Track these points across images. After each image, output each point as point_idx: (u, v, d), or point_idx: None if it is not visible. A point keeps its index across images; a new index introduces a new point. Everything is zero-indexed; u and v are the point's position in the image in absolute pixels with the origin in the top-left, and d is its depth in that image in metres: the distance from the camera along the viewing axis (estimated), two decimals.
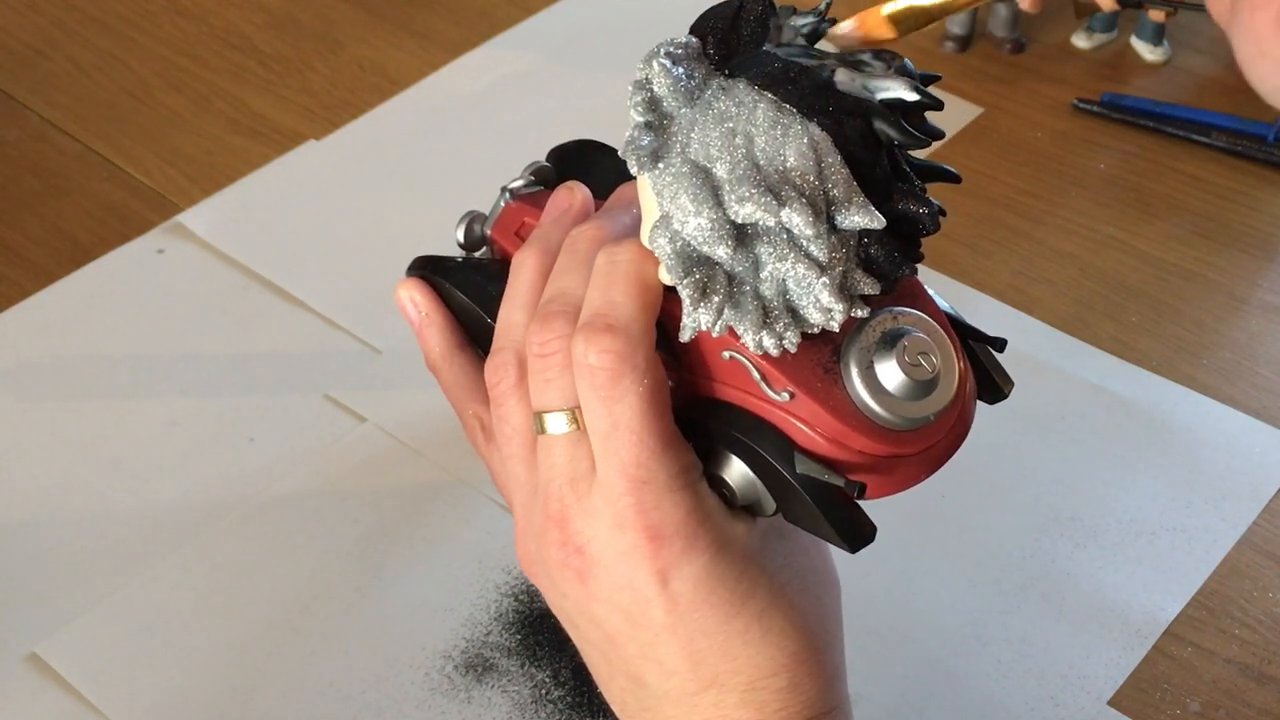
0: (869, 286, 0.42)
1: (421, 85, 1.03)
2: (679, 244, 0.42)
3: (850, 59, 0.43)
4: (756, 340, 0.42)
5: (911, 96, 0.42)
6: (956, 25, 1.04)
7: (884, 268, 0.42)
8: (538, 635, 0.70)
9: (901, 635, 0.70)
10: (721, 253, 0.41)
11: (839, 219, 0.41)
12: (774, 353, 0.42)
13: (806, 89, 0.41)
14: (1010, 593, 0.71)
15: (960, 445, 0.45)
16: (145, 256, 0.90)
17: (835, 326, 0.42)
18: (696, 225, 0.41)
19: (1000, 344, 0.47)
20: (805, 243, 0.41)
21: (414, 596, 0.72)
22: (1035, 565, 0.72)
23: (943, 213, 0.43)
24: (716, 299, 0.42)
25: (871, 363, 0.43)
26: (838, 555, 0.47)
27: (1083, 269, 0.88)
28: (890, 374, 0.43)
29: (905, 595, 0.71)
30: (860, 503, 0.45)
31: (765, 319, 0.42)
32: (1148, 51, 1.04)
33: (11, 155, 0.99)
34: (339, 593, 0.72)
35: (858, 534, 0.44)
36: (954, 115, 0.99)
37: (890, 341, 0.43)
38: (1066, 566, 0.72)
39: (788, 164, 0.41)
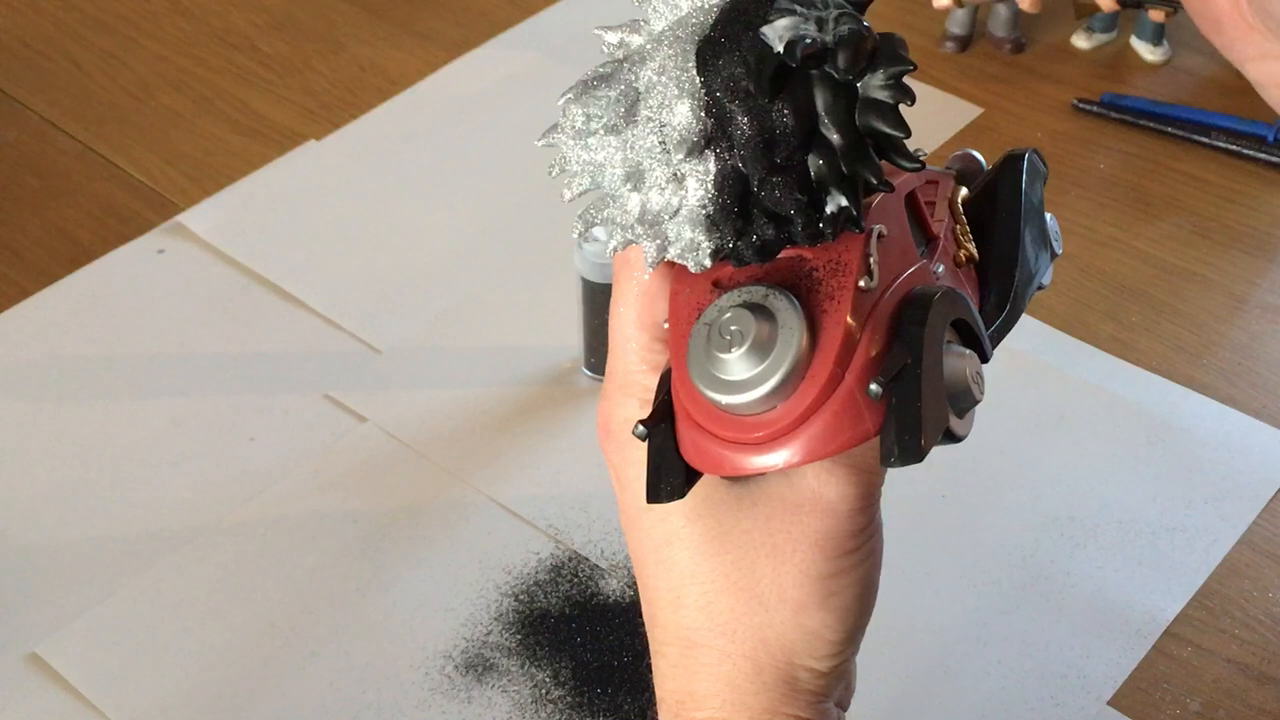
0: (707, 238, 0.40)
1: (421, 85, 1.03)
2: (555, 134, 0.41)
3: (808, 12, 0.39)
4: (616, 237, 0.41)
5: (775, 46, 0.38)
6: (956, 25, 1.05)
7: (722, 225, 0.40)
8: (538, 635, 0.70)
9: (901, 635, 0.70)
10: (562, 138, 0.41)
11: (673, 158, 0.39)
12: (613, 248, 0.41)
13: (734, 29, 0.39)
14: (1010, 593, 0.71)
15: (814, 459, 0.40)
16: (145, 256, 0.90)
17: (665, 258, 0.41)
18: (568, 115, 0.41)
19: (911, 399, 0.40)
20: (632, 171, 0.40)
21: (414, 596, 0.72)
22: (1035, 565, 0.72)
23: (840, 208, 0.39)
24: (576, 181, 0.41)
25: (701, 324, 0.40)
26: None
27: (1083, 269, 0.88)
28: (699, 341, 0.40)
29: (905, 595, 0.71)
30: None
31: (619, 223, 0.41)
32: (1148, 51, 1.04)
33: (11, 155, 0.99)
34: (339, 593, 0.72)
35: (654, 485, 0.42)
36: (954, 115, 0.99)
37: (723, 313, 0.40)
38: (1066, 566, 0.72)
39: (639, 86, 0.40)
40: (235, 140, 0.99)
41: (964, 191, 0.48)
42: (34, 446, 0.79)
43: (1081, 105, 0.99)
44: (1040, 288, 0.49)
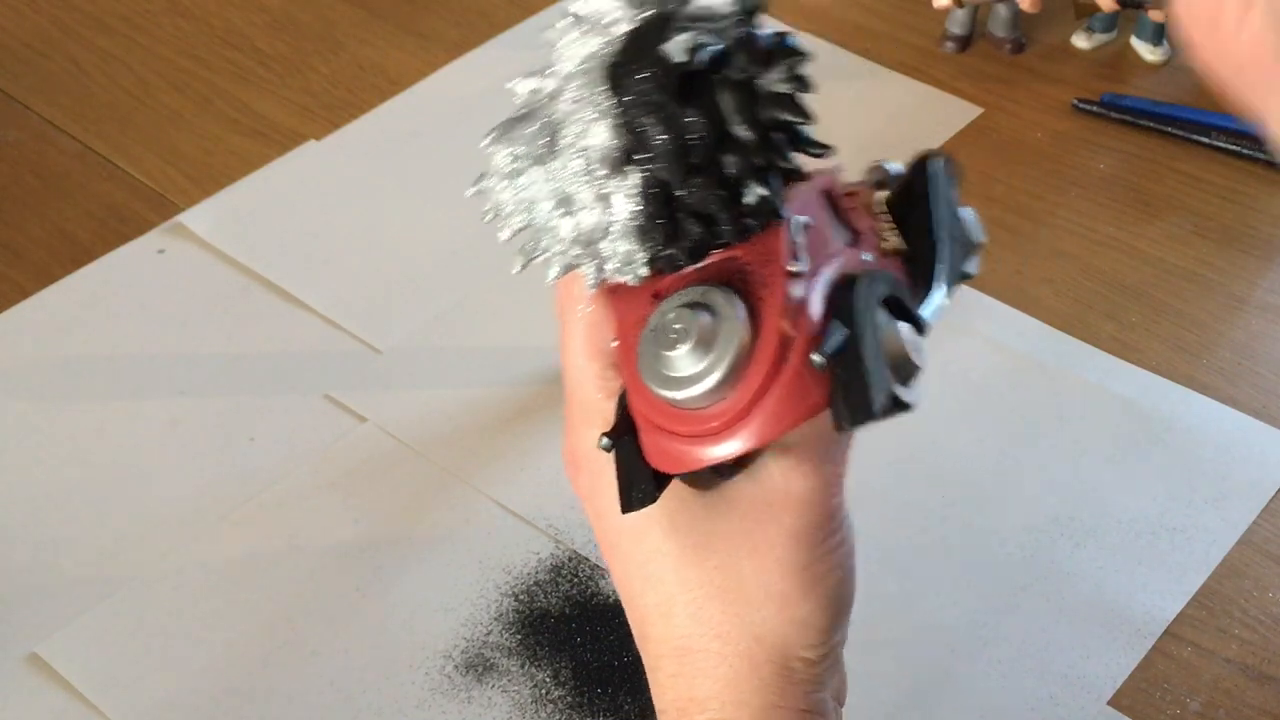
0: (641, 248, 0.42)
1: (421, 85, 1.03)
2: (484, 181, 0.46)
3: (705, 26, 0.42)
4: (555, 266, 0.45)
5: (678, 58, 0.40)
6: (956, 25, 1.04)
7: (652, 233, 0.42)
8: (538, 635, 0.70)
9: (901, 635, 0.70)
10: (492, 183, 0.46)
11: (598, 177, 0.42)
12: (553, 277, 0.45)
13: (639, 51, 0.42)
14: (1010, 593, 0.71)
15: (772, 437, 0.42)
16: (145, 256, 0.90)
17: (605, 277, 0.43)
18: (494, 159, 0.45)
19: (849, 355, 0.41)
20: (562, 199, 0.43)
21: (414, 596, 0.72)
22: (1035, 565, 0.72)
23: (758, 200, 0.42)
24: (512, 220, 0.45)
25: (647, 330, 0.43)
26: None
27: (1083, 269, 0.88)
28: (648, 345, 0.42)
29: (905, 595, 0.71)
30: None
31: (549, 245, 0.44)
32: (1148, 51, 1.04)
33: (12, 155, 0.99)
34: (339, 593, 0.72)
35: (626, 495, 0.44)
36: (954, 115, 0.99)
37: (666, 315, 0.42)
38: (1066, 566, 0.72)
39: (557, 117, 0.43)
40: (235, 140, 0.99)
41: (882, 194, 0.51)
42: (34, 446, 0.79)
43: (1081, 105, 0.99)
44: (968, 276, 0.51)
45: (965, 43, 1.05)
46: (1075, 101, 1.00)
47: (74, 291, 0.88)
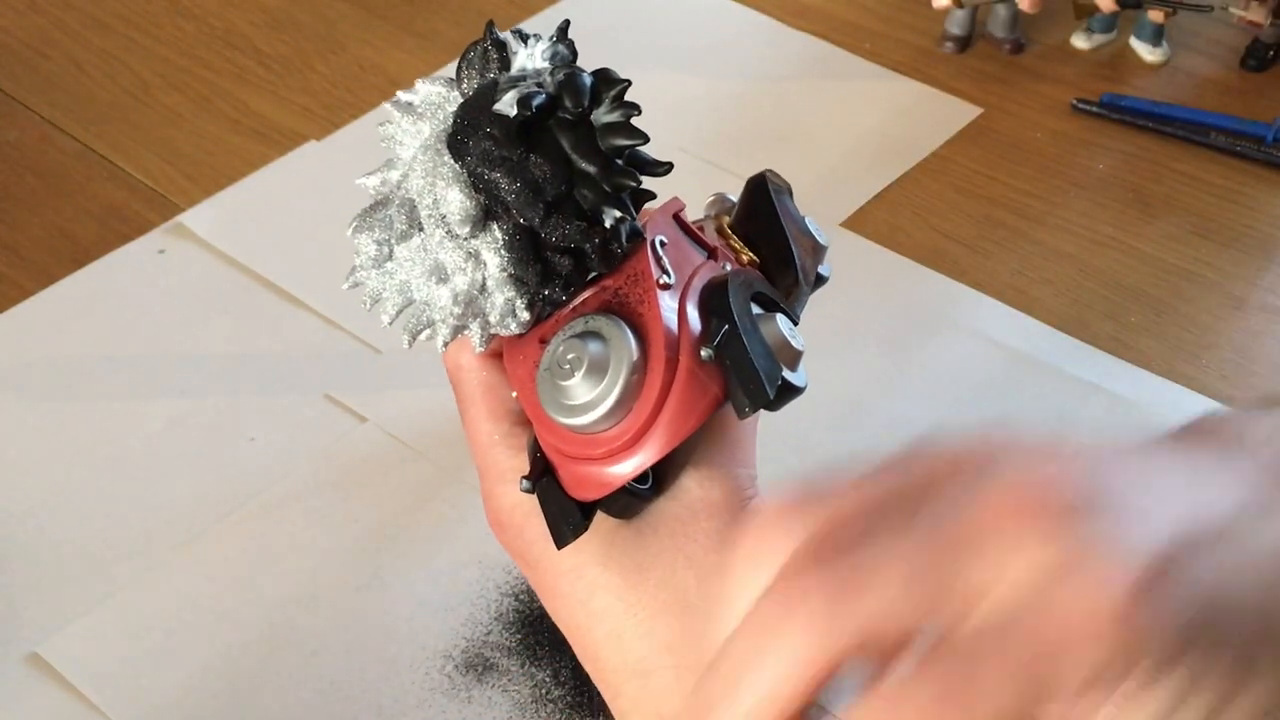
0: (518, 294, 0.45)
1: None
2: (357, 273, 0.48)
3: (529, 80, 0.45)
4: (441, 333, 0.47)
5: (510, 112, 0.44)
6: (956, 25, 1.05)
7: (526, 277, 0.45)
8: (538, 635, 0.70)
9: None
10: (364, 273, 0.48)
11: (463, 238, 0.45)
12: (442, 344, 0.47)
13: (473, 117, 0.45)
14: None
15: (682, 436, 0.44)
16: (145, 256, 0.90)
17: (491, 333, 0.46)
18: (359, 249, 0.47)
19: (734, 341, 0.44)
20: (434, 269, 0.46)
21: (414, 596, 0.72)
22: None
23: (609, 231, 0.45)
24: (390, 304, 0.47)
25: (542, 369, 0.45)
26: None
27: (1083, 269, 0.88)
28: (545, 381, 0.44)
29: None
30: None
31: (421, 315, 0.47)
32: (1147, 52, 1.04)
33: (12, 155, 0.99)
34: (339, 593, 0.72)
35: (558, 530, 0.46)
36: (953, 116, 0.99)
37: (556, 350, 0.45)
38: None
39: (412, 196, 0.45)
40: (235, 140, 0.99)
41: (726, 219, 0.53)
42: (34, 446, 0.79)
43: (1081, 106, 0.99)
44: (823, 279, 0.53)
45: (965, 43, 1.05)
46: (1074, 102, 1.00)
47: (74, 291, 0.88)
